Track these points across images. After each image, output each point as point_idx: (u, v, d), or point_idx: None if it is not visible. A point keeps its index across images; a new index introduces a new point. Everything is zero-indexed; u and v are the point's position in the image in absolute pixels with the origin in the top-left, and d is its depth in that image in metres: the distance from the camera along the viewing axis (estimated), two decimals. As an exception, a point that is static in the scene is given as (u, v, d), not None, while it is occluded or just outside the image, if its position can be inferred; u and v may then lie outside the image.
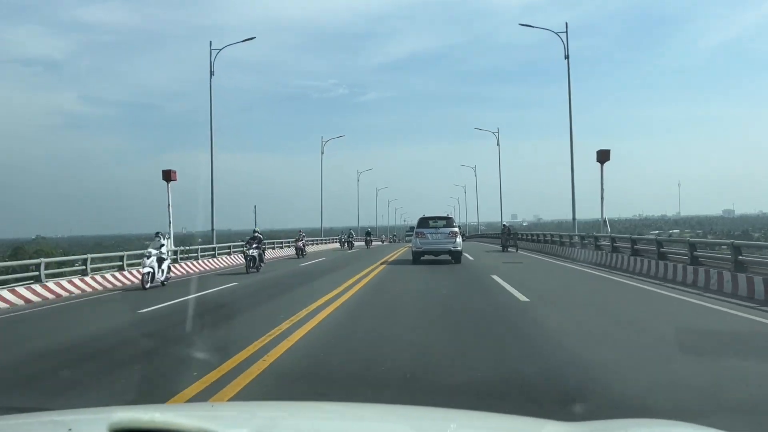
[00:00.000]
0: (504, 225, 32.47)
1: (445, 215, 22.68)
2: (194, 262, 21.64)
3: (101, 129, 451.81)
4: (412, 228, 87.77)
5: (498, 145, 49.86)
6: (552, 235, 27.40)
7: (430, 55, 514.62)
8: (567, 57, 26.26)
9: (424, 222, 21.10)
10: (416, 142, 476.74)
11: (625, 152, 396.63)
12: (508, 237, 29.31)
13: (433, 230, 20.49)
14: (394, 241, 74.97)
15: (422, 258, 20.41)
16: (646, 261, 14.66)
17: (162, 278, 15.17)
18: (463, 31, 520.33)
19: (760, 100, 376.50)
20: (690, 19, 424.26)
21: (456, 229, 20.58)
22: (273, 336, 6.81)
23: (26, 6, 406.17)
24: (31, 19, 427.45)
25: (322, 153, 47.27)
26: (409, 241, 67.40)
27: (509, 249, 28.57)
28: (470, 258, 22.30)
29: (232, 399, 4.37)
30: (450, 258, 20.05)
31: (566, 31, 26.50)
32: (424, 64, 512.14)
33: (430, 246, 20.25)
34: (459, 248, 20.09)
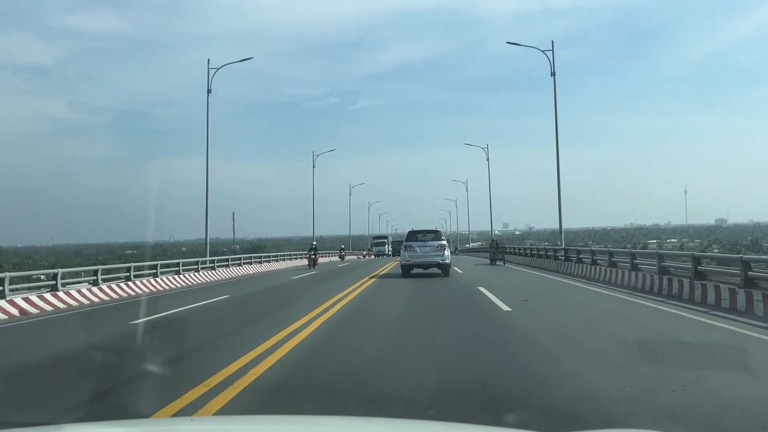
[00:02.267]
0: (493, 239, 34.05)
1: (433, 228, 23.89)
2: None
3: (90, 136, 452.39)
4: (381, 237, 75.07)
5: (487, 160, 52.20)
6: (534, 250, 30.04)
7: (421, 64, 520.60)
8: (553, 74, 28.03)
9: (412, 235, 21.88)
10: (408, 151, 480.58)
11: (615, 162, 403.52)
12: (496, 250, 30.78)
13: (421, 243, 21.26)
14: (342, 257, 49.22)
15: (412, 272, 21.19)
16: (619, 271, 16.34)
17: None
18: (454, 41, 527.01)
19: (750, 110, 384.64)
20: (679, 30, 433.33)
21: (444, 242, 21.47)
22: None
23: (16, 13, 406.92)
24: (21, 26, 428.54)
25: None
26: (379, 254, 63.20)
27: (497, 262, 30.07)
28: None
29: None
30: (439, 271, 21.00)
31: (552, 49, 28.11)
32: (415, 74, 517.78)
33: (419, 259, 21.06)
34: (447, 261, 20.92)
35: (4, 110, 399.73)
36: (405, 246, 21.69)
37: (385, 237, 76.81)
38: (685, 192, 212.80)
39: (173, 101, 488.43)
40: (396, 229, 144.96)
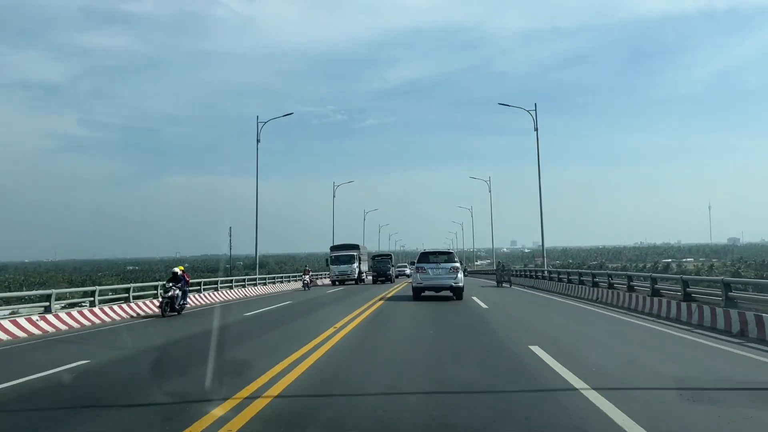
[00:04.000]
0: (499, 262, 35.93)
1: (446, 250, 23.77)
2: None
3: (100, 152, 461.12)
4: (346, 247, 43.40)
5: (489, 191, 55.49)
6: (539, 272, 30.77)
7: (429, 82, 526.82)
8: (536, 129, 33.78)
9: (424, 257, 21.40)
10: (415, 168, 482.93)
11: (623, 180, 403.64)
12: (502, 273, 31.55)
13: (434, 265, 20.69)
14: (173, 306, 17.47)
15: (423, 294, 20.91)
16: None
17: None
18: (461, 60, 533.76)
19: (758, 129, 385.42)
20: (686, 50, 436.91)
21: (457, 264, 20.95)
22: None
23: (27, 31, 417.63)
24: (32, 44, 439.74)
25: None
26: (342, 279, 40.25)
27: (504, 284, 30.66)
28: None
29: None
30: (451, 294, 20.52)
31: (535, 110, 34.14)
32: (423, 92, 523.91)
33: (431, 282, 20.58)
34: (461, 284, 20.44)
35: (15, 127, 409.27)
36: (417, 268, 21.37)
37: (355, 247, 44.83)
38: (709, 208, 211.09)
39: (182, 119, 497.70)
40: (402, 246, 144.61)
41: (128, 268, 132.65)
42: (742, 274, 64.61)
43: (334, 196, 58.81)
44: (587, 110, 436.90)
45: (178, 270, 18.41)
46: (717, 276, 14.70)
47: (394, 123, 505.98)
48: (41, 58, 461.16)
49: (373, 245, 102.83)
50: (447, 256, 21.54)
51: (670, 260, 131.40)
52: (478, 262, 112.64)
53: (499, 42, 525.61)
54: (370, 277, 44.52)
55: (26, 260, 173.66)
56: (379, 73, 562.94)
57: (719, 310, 11.66)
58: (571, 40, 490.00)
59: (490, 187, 61.91)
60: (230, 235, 60.67)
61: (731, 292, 11.72)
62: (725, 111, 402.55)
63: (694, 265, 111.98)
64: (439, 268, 20.62)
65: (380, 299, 21.62)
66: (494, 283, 32.73)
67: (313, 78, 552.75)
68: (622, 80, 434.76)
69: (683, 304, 13.37)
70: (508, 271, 33.14)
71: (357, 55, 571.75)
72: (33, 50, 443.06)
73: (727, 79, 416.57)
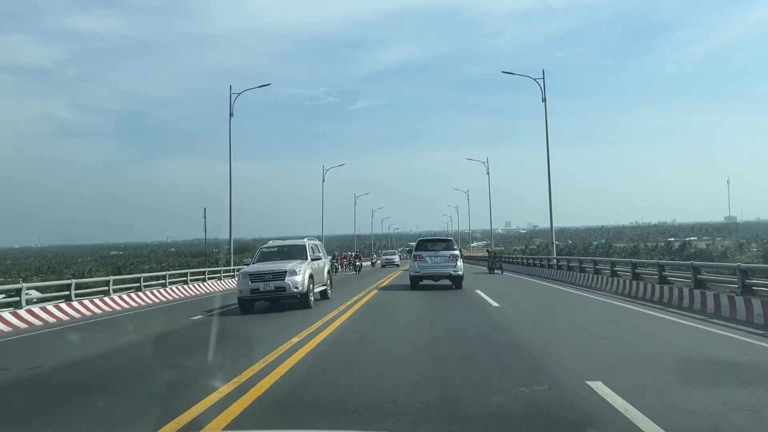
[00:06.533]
0: (488, 250, 39.66)
1: (444, 237, 24.54)
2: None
3: (91, 137, 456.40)
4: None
5: (488, 173, 53.59)
6: (530, 259, 34.47)
7: (421, 63, 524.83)
8: (544, 100, 32.44)
9: (422, 245, 21.61)
10: (409, 151, 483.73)
11: (617, 159, 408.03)
12: (494, 260, 34.28)
13: (432, 253, 20.89)
14: None
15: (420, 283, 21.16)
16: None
17: None
18: (453, 41, 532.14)
19: (751, 107, 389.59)
20: (678, 28, 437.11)
21: (456, 252, 21.04)
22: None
23: (14, 14, 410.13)
24: (20, 27, 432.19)
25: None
26: None
27: (495, 271, 33.21)
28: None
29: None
30: (450, 283, 20.71)
31: (543, 78, 32.64)
32: (415, 73, 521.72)
33: (429, 270, 20.76)
34: (460, 272, 20.53)
35: (3, 112, 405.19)
36: (414, 256, 21.65)
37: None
38: (728, 182, 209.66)
39: (173, 102, 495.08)
40: (397, 229, 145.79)
41: (112, 253, 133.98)
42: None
43: (323, 180, 57.26)
44: (580, 89, 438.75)
45: None
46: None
47: (387, 105, 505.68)
48: (29, 42, 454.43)
49: (365, 230, 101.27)
50: (446, 243, 21.88)
51: (673, 239, 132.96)
52: (474, 244, 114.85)
53: (490, 22, 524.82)
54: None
55: (16, 246, 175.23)
56: (371, 54, 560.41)
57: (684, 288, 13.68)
58: (563, 19, 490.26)
59: (488, 169, 60.07)
60: (205, 218, 61.31)
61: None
62: (717, 89, 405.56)
63: (706, 245, 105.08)
64: (437, 256, 20.86)
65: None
66: (486, 269, 34.81)
67: (304, 60, 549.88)
68: (615, 59, 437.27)
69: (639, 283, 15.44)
70: (500, 258, 36.30)
71: (348, 36, 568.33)
72: (20, 33, 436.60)
73: (719, 57, 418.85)
